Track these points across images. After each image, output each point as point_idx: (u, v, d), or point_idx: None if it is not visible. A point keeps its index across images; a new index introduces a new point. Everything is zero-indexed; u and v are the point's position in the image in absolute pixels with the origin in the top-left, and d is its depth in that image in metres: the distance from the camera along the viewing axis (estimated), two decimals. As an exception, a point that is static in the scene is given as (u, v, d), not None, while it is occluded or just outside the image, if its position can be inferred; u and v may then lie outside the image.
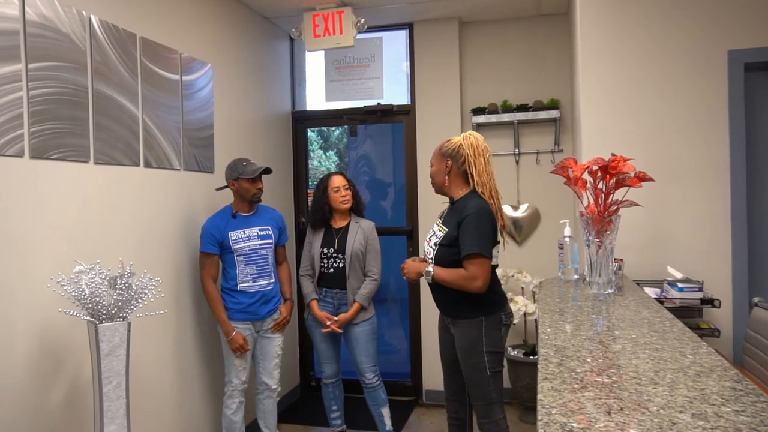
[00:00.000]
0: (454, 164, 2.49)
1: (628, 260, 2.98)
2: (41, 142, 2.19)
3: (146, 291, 2.21)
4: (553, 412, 1.10)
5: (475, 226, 2.34)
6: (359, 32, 3.89)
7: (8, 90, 2.07)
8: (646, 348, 1.53)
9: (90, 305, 2.07)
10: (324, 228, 3.40)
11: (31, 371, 2.16)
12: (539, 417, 1.08)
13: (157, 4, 2.92)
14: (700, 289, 2.71)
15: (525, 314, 3.88)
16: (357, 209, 3.43)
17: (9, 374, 2.06)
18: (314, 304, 3.37)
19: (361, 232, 3.35)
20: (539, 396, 1.19)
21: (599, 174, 2.37)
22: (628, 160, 2.30)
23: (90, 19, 2.45)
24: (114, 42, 2.58)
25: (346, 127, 4.88)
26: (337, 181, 3.36)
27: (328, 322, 3.29)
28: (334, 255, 3.33)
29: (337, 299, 3.35)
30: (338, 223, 3.40)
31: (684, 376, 1.29)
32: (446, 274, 2.40)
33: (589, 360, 1.44)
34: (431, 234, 2.58)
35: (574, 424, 1.04)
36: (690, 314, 2.78)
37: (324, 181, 3.40)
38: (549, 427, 1.03)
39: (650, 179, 2.33)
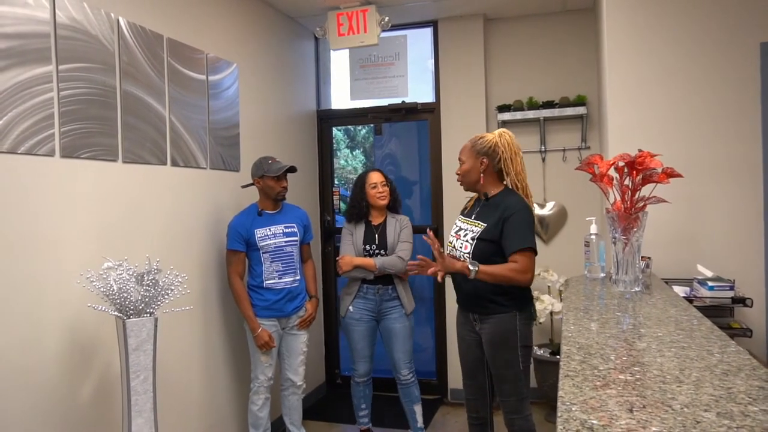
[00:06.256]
0: (489, 162, 2.48)
1: (657, 258, 2.92)
2: (71, 142, 2.25)
3: (172, 287, 2.25)
4: (573, 408, 1.09)
5: (523, 222, 2.37)
6: (383, 30, 3.89)
7: (40, 91, 2.12)
8: (672, 346, 1.50)
9: (118, 301, 2.12)
10: (364, 224, 3.39)
11: (62, 365, 2.21)
12: (559, 414, 1.07)
13: (183, 6, 2.97)
14: (732, 288, 2.65)
15: (551, 313, 3.84)
16: (393, 206, 3.43)
17: (40, 368, 2.12)
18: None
19: (398, 227, 3.36)
20: (560, 393, 1.17)
21: (626, 170, 2.33)
22: (655, 155, 2.26)
23: (118, 20, 2.50)
24: (141, 43, 2.63)
25: (372, 126, 4.89)
26: (375, 177, 3.37)
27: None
28: (377, 251, 3.31)
29: (379, 296, 3.33)
30: (376, 220, 3.40)
31: (710, 375, 1.26)
32: (494, 269, 2.36)
33: (612, 357, 1.42)
34: (458, 229, 2.56)
35: (595, 421, 1.02)
36: (721, 314, 2.72)
37: (362, 178, 3.41)
38: (569, 423, 1.02)
39: (678, 175, 2.28)
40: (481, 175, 2.50)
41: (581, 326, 1.74)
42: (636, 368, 1.35)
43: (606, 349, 1.49)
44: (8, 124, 2.00)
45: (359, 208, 3.38)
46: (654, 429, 0.99)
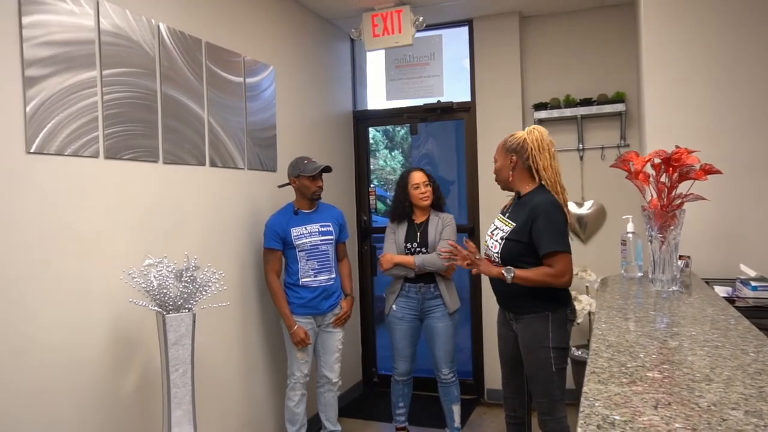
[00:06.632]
0: (518, 159, 2.47)
1: (698, 258, 2.85)
2: (114, 144, 2.34)
3: (210, 284, 2.32)
4: (596, 404, 1.08)
5: (552, 223, 2.34)
6: (418, 30, 3.90)
7: (85, 95, 2.22)
8: (705, 345, 1.47)
9: (158, 297, 2.19)
10: (406, 223, 3.40)
11: (107, 358, 2.30)
12: (581, 409, 1.07)
13: (221, 11, 3.05)
14: (777, 288, 2.56)
15: (589, 313, 3.77)
16: (437, 204, 3.41)
17: (87, 361, 2.21)
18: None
19: (440, 224, 3.33)
20: (584, 389, 1.17)
21: (662, 167, 2.28)
22: (693, 152, 2.21)
23: (158, 26, 2.58)
24: (181, 48, 2.71)
25: (409, 126, 4.91)
26: (417, 177, 3.35)
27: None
28: (418, 250, 3.31)
29: (421, 294, 3.33)
30: (419, 218, 3.39)
31: (742, 374, 1.23)
32: (530, 274, 2.36)
33: (641, 355, 1.40)
34: (494, 228, 2.56)
35: (617, 417, 1.02)
36: (765, 315, 2.63)
37: (404, 178, 3.40)
38: (590, 418, 1.02)
39: (717, 172, 2.23)
40: (511, 172, 2.49)
41: (612, 324, 1.72)
42: (665, 366, 1.33)
43: (636, 347, 1.47)
44: (56, 127, 2.10)
45: (402, 208, 3.37)
46: (677, 425, 0.98)
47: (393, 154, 8.48)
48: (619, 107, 3.93)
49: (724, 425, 0.97)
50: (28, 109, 2.00)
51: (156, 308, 2.22)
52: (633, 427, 0.97)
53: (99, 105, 2.27)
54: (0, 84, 1.93)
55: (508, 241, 2.42)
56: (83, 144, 2.21)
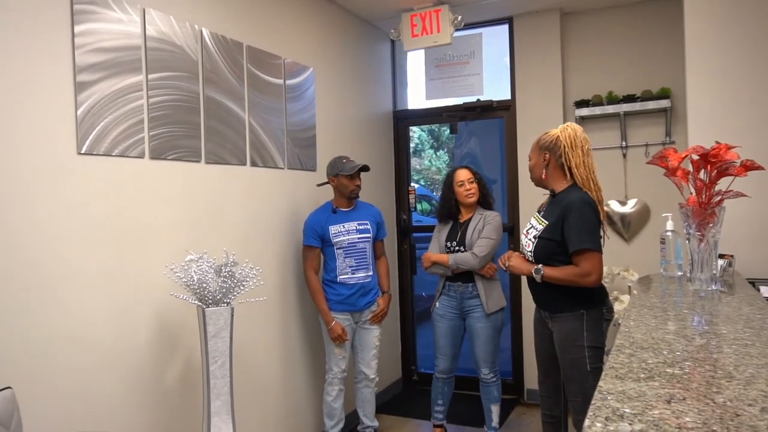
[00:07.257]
0: (551, 157, 2.46)
1: (744, 257, 2.76)
2: (159, 145, 2.45)
3: (248, 279, 2.40)
4: (609, 397, 1.09)
5: (582, 221, 2.31)
6: (456, 29, 3.91)
7: (132, 99, 2.34)
8: (734, 343, 1.44)
9: (198, 291, 2.29)
10: (452, 222, 3.41)
11: (151, 350, 2.42)
12: (593, 402, 1.08)
13: (262, 15, 3.14)
14: (827, 289, 2.46)
15: (632, 314, 3.70)
16: (485, 202, 3.39)
17: (131, 352, 2.33)
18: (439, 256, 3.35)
19: (482, 222, 3.31)
20: (600, 383, 1.18)
21: (700, 164, 2.23)
22: (732, 147, 2.15)
23: (201, 31, 2.69)
24: (223, 51, 2.81)
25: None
26: (462, 175, 3.35)
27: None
28: (456, 248, 3.32)
29: (460, 293, 3.34)
30: (464, 217, 3.39)
31: (767, 372, 1.21)
32: (558, 273, 2.36)
33: (665, 352, 1.39)
34: (529, 227, 2.56)
35: (627, 410, 1.02)
36: (815, 316, 2.53)
37: (450, 176, 3.41)
38: (599, 410, 1.03)
39: (759, 167, 2.16)
40: (544, 170, 2.47)
41: (641, 322, 1.71)
42: (687, 363, 1.31)
43: (660, 344, 1.45)
44: (104, 129, 2.22)
45: (448, 207, 3.38)
46: (687, 419, 0.98)
47: (438, 154, 8.50)
48: (663, 103, 3.84)
49: (737, 420, 0.97)
50: (79, 112, 2.13)
51: (196, 302, 2.31)
52: (642, 420, 0.98)
53: (145, 108, 2.39)
54: (53, 89, 2.06)
55: (541, 239, 2.42)
56: (130, 145, 2.32)
